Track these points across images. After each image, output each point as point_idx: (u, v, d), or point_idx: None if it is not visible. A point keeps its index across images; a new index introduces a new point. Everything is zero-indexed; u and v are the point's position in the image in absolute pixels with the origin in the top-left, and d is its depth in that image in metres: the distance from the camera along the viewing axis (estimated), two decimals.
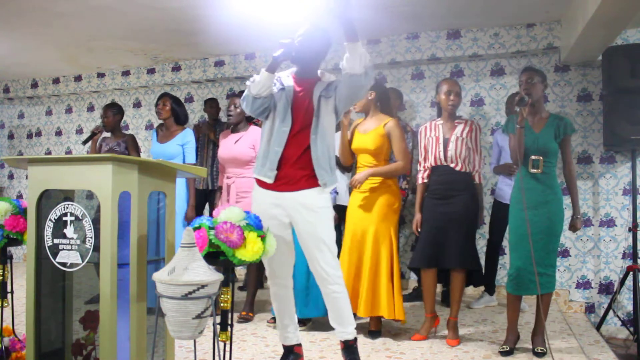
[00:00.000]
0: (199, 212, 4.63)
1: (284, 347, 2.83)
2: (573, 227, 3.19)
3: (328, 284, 2.65)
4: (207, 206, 5.11)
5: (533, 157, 3.05)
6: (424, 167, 3.45)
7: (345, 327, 2.75)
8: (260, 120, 4.79)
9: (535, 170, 3.06)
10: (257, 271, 3.93)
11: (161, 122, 4.27)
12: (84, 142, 4.49)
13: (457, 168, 3.31)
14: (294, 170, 2.60)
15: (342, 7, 2.30)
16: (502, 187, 4.29)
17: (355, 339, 2.79)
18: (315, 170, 2.59)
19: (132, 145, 4.40)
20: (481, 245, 4.68)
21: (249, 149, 3.72)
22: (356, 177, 3.31)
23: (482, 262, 4.59)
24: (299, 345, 2.84)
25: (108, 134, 4.49)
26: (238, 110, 3.78)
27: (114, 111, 4.44)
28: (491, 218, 4.49)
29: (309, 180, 2.61)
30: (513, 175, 4.18)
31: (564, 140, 3.12)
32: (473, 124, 3.34)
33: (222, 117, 5.67)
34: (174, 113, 4.01)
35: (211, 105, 5.35)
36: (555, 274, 3.13)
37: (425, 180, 3.44)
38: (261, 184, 2.67)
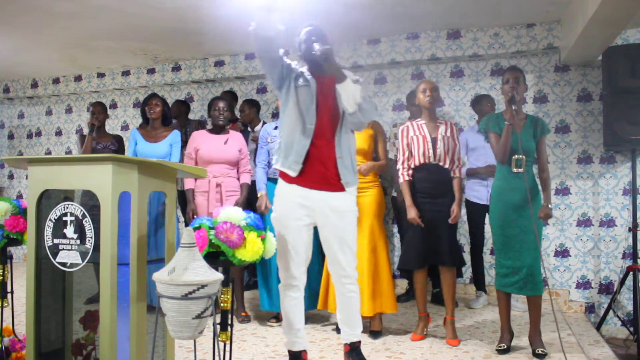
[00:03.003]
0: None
1: (291, 353, 2.78)
2: (546, 215, 3.09)
3: (346, 284, 2.68)
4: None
5: (516, 156, 3.07)
6: (406, 165, 3.42)
7: (354, 329, 2.76)
8: (234, 124, 4.83)
9: (518, 170, 3.07)
10: (239, 270, 3.96)
11: (142, 123, 4.30)
12: (89, 133, 4.52)
13: (446, 166, 3.35)
14: (321, 169, 2.58)
15: (324, 58, 2.44)
16: (477, 187, 4.27)
17: (360, 340, 2.80)
18: (339, 170, 2.59)
19: (122, 146, 4.55)
20: (462, 242, 4.73)
21: (237, 150, 3.89)
22: (363, 167, 3.39)
23: (468, 262, 4.62)
24: (305, 351, 2.80)
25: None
26: (226, 113, 3.90)
27: (103, 108, 4.55)
28: (469, 219, 4.45)
29: (338, 181, 2.60)
30: (492, 176, 4.18)
31: (541, 140, 3.18)
32: (453, 124, 3.46)
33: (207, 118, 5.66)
34: (163, 114, 4.11)
35: (179, 105, 5.29)
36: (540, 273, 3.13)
37: (410, 178, 3.41)
38: (287, 178, 2.63)
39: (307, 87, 2.62)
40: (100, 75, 6.45)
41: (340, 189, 2.61)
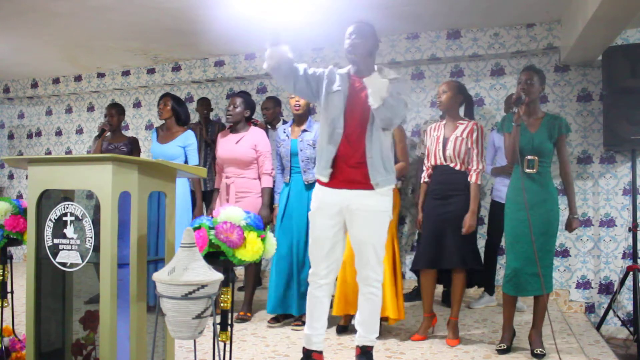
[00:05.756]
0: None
1: (305, 350, 2.77)
2: (569, 227, 3.20)
3: (367, 285, 2.68)
4: (203, 207, 5.11)
5: (528, 157, 3.06)
6: (427, 166, 3.48)
7: (369, 333, 2.75)
8: (259, 121, 4.77)
9: (530, 170, 3.06)
10: (255, 271, 3.93)
11: (162, 122, 4.28)
12: (97, 138, 4.53)
13: (457, 168, 3.33)
14: (351, 170, 2.60)
15: (351, 51, 2.58)
16: (500, 187, 4.28)
17: (372, 346, 2.78)
18: (369, 170, 2.58)
19: (136, 148, 4.48)
20: (480, 245, 4.69)
21: (251, 149, 3.72)
22: None
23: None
24: (321, 352, 2.77)
25: (108, 134, 4.52)
26: (237, 110, 3.77)
27: (118, 110, 4.50)
28: (489, 218, 4.49)
29: (368, 182, 2.60)
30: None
31: (560, 140, 3.12)
32: (475, 124, 3.36)
33: (220, 117, 5.66)
34: (175, 113, 3.99)
35: (201, 104, 5.33)
36: (552, 274, 3.14)
37: (427, 180, 3.48)
38: (320, 182, 2.70)
39: (339, 92, 2.64)
40: (100, 75, 6.45)
41: (371, 187, 2.61)
